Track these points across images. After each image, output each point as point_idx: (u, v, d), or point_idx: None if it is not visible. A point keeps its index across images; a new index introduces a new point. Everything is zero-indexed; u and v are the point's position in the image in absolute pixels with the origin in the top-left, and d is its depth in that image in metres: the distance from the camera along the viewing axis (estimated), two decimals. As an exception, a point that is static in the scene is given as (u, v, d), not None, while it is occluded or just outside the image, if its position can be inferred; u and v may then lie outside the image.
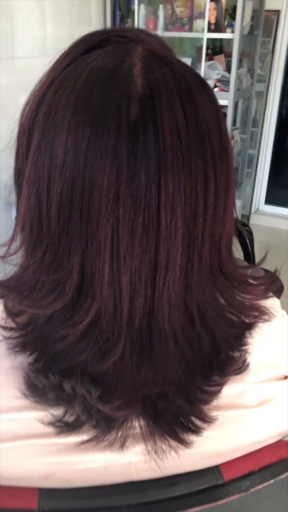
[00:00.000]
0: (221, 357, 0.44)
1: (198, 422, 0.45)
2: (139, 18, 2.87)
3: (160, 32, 2.89)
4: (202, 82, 0.43)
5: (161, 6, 2.80)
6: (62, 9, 2.62)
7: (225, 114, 2.88)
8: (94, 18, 2.92)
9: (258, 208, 3.74)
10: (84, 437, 0.44)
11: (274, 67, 3.34)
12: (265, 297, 0.48)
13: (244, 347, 0.48)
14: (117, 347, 0.41)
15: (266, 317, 0.48)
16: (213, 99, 0.43)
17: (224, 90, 2.82)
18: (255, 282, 0.48)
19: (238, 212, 3.32)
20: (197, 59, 2.91)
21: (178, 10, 2.74)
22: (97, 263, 0.39)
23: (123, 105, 0.38)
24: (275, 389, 0.51)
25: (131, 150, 0.37)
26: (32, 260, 0.42)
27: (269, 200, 3.72)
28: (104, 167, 0.37)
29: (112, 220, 0.38)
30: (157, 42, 0.45)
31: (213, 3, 2.62)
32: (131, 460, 0.46)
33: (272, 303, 0.51)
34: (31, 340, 0.43)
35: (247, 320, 0.48)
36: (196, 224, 0.40)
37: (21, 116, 0.43)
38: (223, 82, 2.83)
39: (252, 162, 3.55)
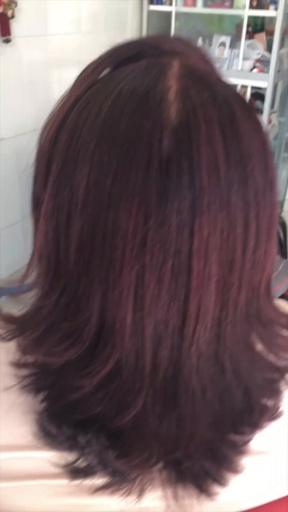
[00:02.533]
0: (255, 411, 0.40)
1: (224, 473, 0.42)
2: (178, -7, 2.76)
3: (199, 8, 2.77)
4: (247, 107, 0.37)
5: (201, -19, 2.67)
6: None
7: (263, 97, 2.76)
8: (131, -7, 2.82)
9: (293, 195, 3.62)
10: (98, 482, 0.41)
11: None
12: None
13: (279, 394, 0.43)
14: (138, 399, 0.37)
15: None
16: (259, 128, 0.37)
17: (263, 71, 2.69)
18: None
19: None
20: (236, 37, 2.78)
21: (219, -15, 2.61)
22: (119, 312, 0.35)
23: (155, 137, 0.32)
24: None
25: (162, 191, 0.32)
26: (48, 300, 0.38)
27: (305, 187, 3.59)
28: (130, 209, 0.32)
29: (137, 267, 0.33)
30: (197, 54, 0.39)
31: (256, -22, 2.49)
32: (149, 505, 0.43)
33: None
34: (44, 385, 0.39)
35: (284, 365, 0.43)
36: (232, 270, 0.35)
37: (40, 138, 0.39)
38: (263, 63, 2.70)
39: (290, 146, 3.42)
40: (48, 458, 0.41)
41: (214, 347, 0.37)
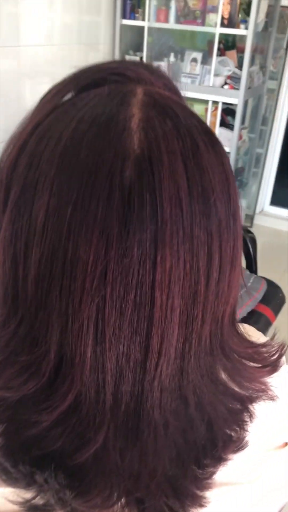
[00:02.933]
0: (219, 444, 0.39)
1: (190, 507, 0.40)
2: (150, 8, 2.78)
3: (172, 24, 2.80)
4: (210, 138, 0.36)
5: (173, -3, 2.71)
6: (71, -4, 2.53)
7: (234, 112, 2.80)
8: (103, 6, 2.83)
9: (263, 209, 3.67)
10: None
11: (287, 64, 3.24)
12: (271, 373, 0.43)
13: (244, 425, 0.42)
14: (99, 434, 0.36)
15: (271, 393, 0.43)
16: (222, 159, 0.36)
17: (234, 88, 2.74)
18: (257, 366, 0.42)
19: (242, 212, 3.26)
20: (208, 54, 2.82)
21: (191, 3, 2.64)
22: (78, 345, 0.33)
23: (116, 168, 0.32)
24: (273, 459, 0.47)
25: (123, 222, 0.31)
26: (4, 330, 0.37)
27: (275, 202, 3.65)
28: (90, 240, 0.31)
29: (97, 299, 0.32)
30: (161, 81, 0.39)
31: (227, -3, 2.53)
32: None
33: (279, 381, 0.45)
34: (0, 420, 0.38)
35: (248, 394, 0.42)
36: (196, 302, 0.34)
37: (2, 161, 0.37)
38: (234, 79, 2.75)
39: (260, 161, 3.47)
40: (5, 494, 0.39)
41: (177, 380, 0.36)
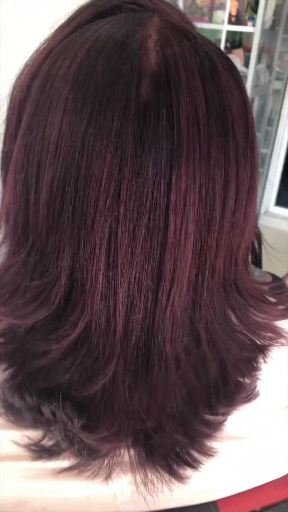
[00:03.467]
0: (231, 386, 0.38)
1: (196, 455, 0.39)
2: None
3: (178, 22, 2.81)
4: (229, 64, 0.36)
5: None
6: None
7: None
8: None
9: (268, 210, 3.66)
10: (64, 463, 0.38)
11: (293, 65, 3.25)
12: (284, 317, 0.42)
13: (256, 373, 0.41)
14: (108, 367, 0.35)
15: (283, 341, 0.42)
16: (241, 85, 0.36)
17: (240, 86, 2.75)
18: (273, 301, 0.41)
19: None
20: (215, 52, 2.83)
21: (198, 0, 2.65)
22: (90, 269, 0.33)
23: (132, 82, 0.31)
24: (283, 420, 0.45)
25: (138, 137, 0.30)
26: (15, 259, 0.36)
27: (280, 202, 3.64)
28: (104, 156, 0.31)
29: (110, 219, 0.31)
30: (177, 13, 0.38)
31: (235, -5, 2.54)
32: (117, 491, 0.40)
33: None
34: (8, 352, 0.37)
35: (260, 342, 0.41)
36: (210, 231, 0.34)
37: (12, 90, 0.37)
38: (240, 78, 2.75)
39: (265, 161, 3.47)
40: (10, 437, 0.38)
41: (189, 314, 0.36)
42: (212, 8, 2.63)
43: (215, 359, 0.37)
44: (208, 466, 0.41)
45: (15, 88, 0.37)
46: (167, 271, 0.33)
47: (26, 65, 0.37)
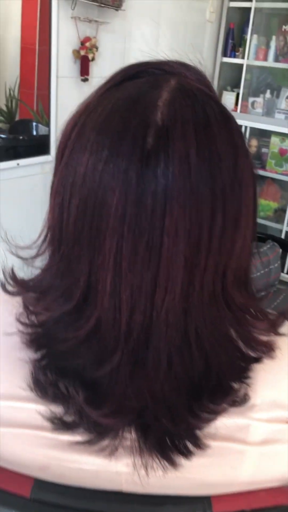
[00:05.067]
0: (211, 383, 0.44)
1: (190, 446, 0.46)
2: (251, 47, 2.89)
3: (270, 62, 2.88)
4: (225, 116, 0.44)
5: (273, 37, 2.79)
6: (177, 35, 2.71)
7: None
8: (206, 45, 2.99)
9: None
10: (78, 438, 0.46)
11: None
12: (277, 334, 0.48)
13: (245, 380, 0.47)
14: (113, 356, 0.43)
15: (274, 354, 0.47)
16: (233, 135, 0.43)
17: None
18: (261, 317, 0.47)
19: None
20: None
21: (290, 42, 2.71)
22: (101, 274, 0.42)
23: (140, 133, 0.40)
24: (280, 432, 0.49)
25: (140, 175, 0.39)
26: (51, 264, 0.47)
27: None
28: (114, 188, 0.40)
29: (117, 236, 0.40)
30: (196, 76, 0.47)
31: None
32: (120, 470, 0.47)
33: (283, 343, 0.50)
34: (40, 337, 0.47)
35: (253, 354, 0.47)
36: (199, 252, 0.41)
37: (61, 135, 0.47)
38: None
39: None
40: (38, 410, 0.47)
41: (182, 319, 0.43)
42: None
43: (201, 359, 0.44)
44: (204, 462, 0.47)
45: (62, 134, 0.47)
46: (161, 281, 0.41)
47: (71, 116, 0.47)
